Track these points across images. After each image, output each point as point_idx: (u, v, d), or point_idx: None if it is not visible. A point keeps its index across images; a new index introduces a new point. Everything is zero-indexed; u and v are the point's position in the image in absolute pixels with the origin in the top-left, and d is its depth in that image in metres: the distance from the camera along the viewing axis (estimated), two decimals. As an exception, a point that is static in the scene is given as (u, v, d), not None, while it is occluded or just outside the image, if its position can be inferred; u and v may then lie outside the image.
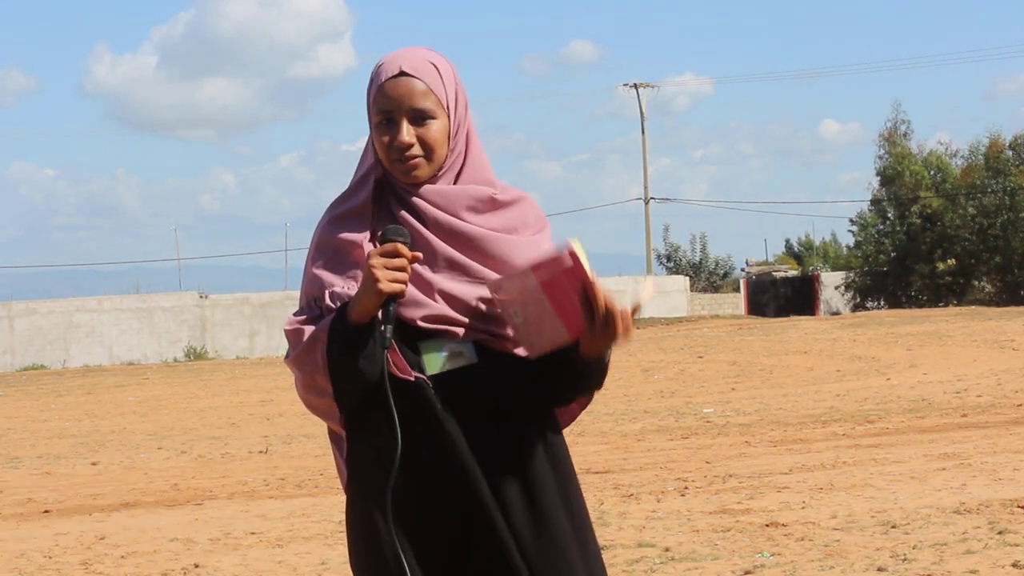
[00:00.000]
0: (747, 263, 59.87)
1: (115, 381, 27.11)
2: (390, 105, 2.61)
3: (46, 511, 9.70)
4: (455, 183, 2.68)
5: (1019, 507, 7.45)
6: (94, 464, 12.81)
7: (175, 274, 56.78)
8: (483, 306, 2.62)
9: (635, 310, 2.54)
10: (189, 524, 8.71)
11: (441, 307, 2.61)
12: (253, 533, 8.19)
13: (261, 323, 37.86)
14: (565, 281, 2.52)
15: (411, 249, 2.57)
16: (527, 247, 2.68)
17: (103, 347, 36.35)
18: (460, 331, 2.61)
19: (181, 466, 12.34)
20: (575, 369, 2.64)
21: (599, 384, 2.71)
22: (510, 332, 2.63)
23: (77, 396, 23.30)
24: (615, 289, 2.62)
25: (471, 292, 2.63)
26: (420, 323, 2.60)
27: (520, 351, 2.64)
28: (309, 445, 13.25)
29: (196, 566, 7.24)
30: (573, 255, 2.49)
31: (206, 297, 38.30)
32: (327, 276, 2.65)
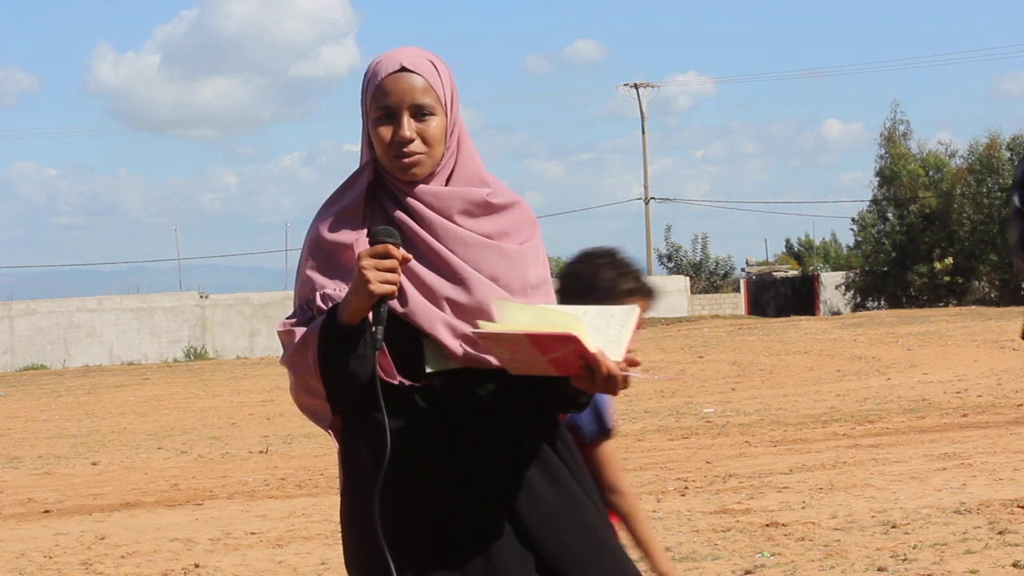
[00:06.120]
0: (747, 263, 59.88)
1: (115, 381, 27.10)
2: (391, 100, 2.60)
3: (46, 511, 9.70)
4: (447, 183, 2.66)
5: (1019, 507, 7.45)
6: (94, 464, 12.81)
7: (175, 274, 56.73)
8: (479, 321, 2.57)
9: (633, 364, 2.51)
10: (189, 524, 8.71)
11: (446, 315, 2.60)
12: (253, 533, 8.19)
13: (261, 323, 37.84)
14: (568, 355, 2.46)
15: (405, 250, 2.55)
16: (518, 257, 2.67)
17: (103, 347, 36.35)
18: (459, 350, 2.59)
19: (181, 466, 12.34)
20: (563, 392, 2.62)
21: (587, 404, 2.70)
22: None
23: (77, 396, 23.29)
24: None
25: (469, 299, 2.60)
26: (425, 328, 2.59)
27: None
28: (309, 445, 13.25)
29: (196, 566, 7.25)
30: (575, 340, 2.42)
31: (206, 297, 38.29)
32: (319, 278, 2.64)
